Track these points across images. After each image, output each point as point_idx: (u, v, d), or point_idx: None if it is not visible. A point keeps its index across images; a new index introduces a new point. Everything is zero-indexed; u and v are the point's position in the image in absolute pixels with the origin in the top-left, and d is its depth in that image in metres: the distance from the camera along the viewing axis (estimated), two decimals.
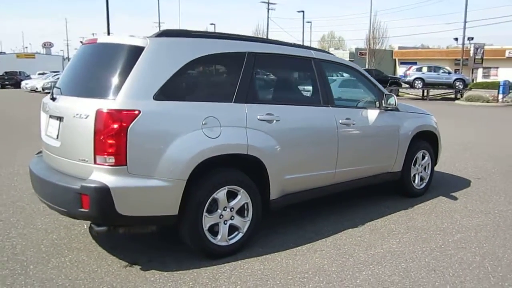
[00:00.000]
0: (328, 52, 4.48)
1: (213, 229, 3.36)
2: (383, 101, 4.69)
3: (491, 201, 5.17)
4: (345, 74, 4.81)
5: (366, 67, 38.74)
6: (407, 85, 28.07)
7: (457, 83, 27.31)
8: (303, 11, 49.78)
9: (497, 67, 52.64)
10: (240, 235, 3.50)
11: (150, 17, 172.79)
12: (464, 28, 30.80)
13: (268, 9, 61.73)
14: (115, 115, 2.88)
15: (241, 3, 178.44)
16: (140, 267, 3.27)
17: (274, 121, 3.61)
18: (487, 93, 24.34)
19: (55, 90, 3.49)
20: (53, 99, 3.34)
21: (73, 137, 3.09)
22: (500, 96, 23.76)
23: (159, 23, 64.89)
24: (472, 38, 30.86)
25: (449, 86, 27.56)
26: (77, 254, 3.47)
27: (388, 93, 4.74)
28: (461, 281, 3.14)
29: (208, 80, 3.46)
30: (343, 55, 57.50)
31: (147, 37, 3.18)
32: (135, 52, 3.07)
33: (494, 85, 28.15)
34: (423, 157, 5.31)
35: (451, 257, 3.55)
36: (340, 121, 4.18)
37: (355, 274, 3.23)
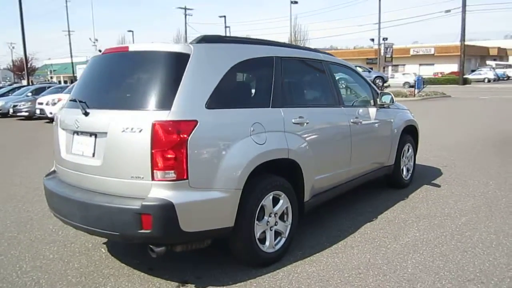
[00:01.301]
0: (330, 54, 4.62)
1: (261, 237, 3.32)
2: (377, 99, 4.96)
3: (469, 186, 5.68)
4: (341, 74, 4.98)
5: None
6: None
7: (377, 81, 29.33)
8: (224, 16, 50.14)
9: (404, 64, 57.59)
10: (283, 240, 3.49)
11: (58, 24, 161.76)
12: (379, 29, 33.22)
13: (186, 15, 61.34)
14: (174, 126, 2.73)
15: (159, 9, 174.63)
16: (193, 285, 3.13)
17: (305, 123, 3.66)
18: (404, 89, 26.52)
19: (74, 103, 3.20)
20: (86, 113, 3.05)
21: (122, 153, 2.85)
22: (416, 90, 26.03)
23: (69, 31, 61.33)
24: (386, 39, 33.38)
25: None
26: (116, 281, 3.22)
27: (384, 91, 5.01)
28: (495, 258, 3.44)
29: (248, 86, 3.41)
30: None
31: (189, 44, 3.05)
32: (181, 59, 2.93)
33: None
34: (408, 150, 5.68)
35: (471, 238, 3.86)
36: (352, 120, 4.35)
37: (402, 264, 3.39)
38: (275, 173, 3.40)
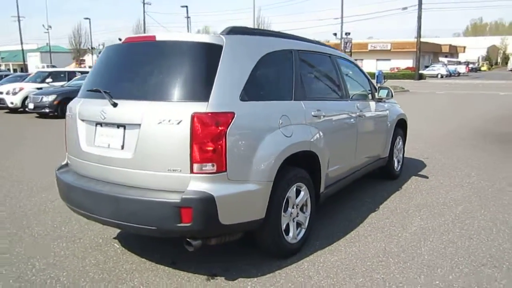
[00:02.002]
0: (333, 48, 4.70)
1: (285, 228, 3.36)
2: (376, 93, 5.12)
3: (455, 177, 5.98)
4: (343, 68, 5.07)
5: None
6: None
7: None
8: (186, 6, 49.24)
9: (362, 59, 59.12)
10: (303, 230, 3.55)
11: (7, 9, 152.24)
12: (342, 24, 33.89)
13: (144, 3, 59.67)
14: (214, 118, 2.70)
15: None
16: (223, 277, 3.12)
17: (321, 116, 3.73)
18: None
19: (96, 94, 3.08)
20: (114, 104, 2.93)
21: (157, 146, 2.78)
22: (378, 84, 26.86)
23: (18, 17, 58.04)
24: (349, 33, 34.07)
25: None
26: (142, 276, 3.15)
27: (381, 86, 5.17)
28: (499, 243, 3.67)
29: (273, 78, 3.40)
30: None
31: (220, 35, 3.01)
32: (214, 50, 2.89)
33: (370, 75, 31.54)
34: (399, 142, 5.90)
35: (472, 226, 4.09)
36: (358, 113, 4.47)
37: (417, 251, 3.54)
38: (297, 165, 3.44)
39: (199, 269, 3.23)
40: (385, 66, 54.88)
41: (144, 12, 58.06)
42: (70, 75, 16.24)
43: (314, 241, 3.73)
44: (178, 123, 2.69)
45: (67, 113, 3.43)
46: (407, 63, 55.87)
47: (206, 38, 2.96)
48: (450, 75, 50.35)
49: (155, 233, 2.88)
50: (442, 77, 48.25)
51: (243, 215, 2.92)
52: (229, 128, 2.75)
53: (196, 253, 3.41)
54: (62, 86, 14.77)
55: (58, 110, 13.02)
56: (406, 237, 3.84)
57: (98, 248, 3.64)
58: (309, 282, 3.05)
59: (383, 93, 5.19)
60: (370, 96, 5.10)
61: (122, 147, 2.94)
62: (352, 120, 4.37)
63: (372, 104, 4.97)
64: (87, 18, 55.09)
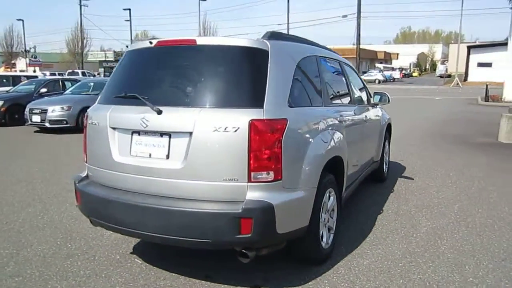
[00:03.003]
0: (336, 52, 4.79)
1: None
2: (371, 98, 5.29)
3: (437, 177, 6.32)
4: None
5: None
6: None
7: None
8: (129, 9, 47.80)
9: None
10: (332, 235, 3.57)
11: None
12: (288, 29, 34.61)
13: (81, 5, 57.11)
14: (271, 125, 2.64)
15: None
16: (267, 287, 3.06)
17: (343, 121, 3.78)
18: None
19: (130, 100, 2.90)
20: (159, 112, 2.76)
21: (212, 154, 2.65)
22: None
23: None
24: None
25: None
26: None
27: (377, 91, 5.35)
28: (507, 238, 3.93)
29: (307, 84, 3.37)
30: None
31: (262, 40, 2.95)
32: (262, 56, 2.83)
33: None
34: (386, 145, 6.13)
35: (475, 223, 4.34)
36: (363, 118, 4.59)
37: (438, 250, 3.69)
38: (327, 170, 3.46)
39: (239, 281, 3.14)
40: None
41: (81, 14, 55.53)
42: (15, 80, 15.09)
43: (339, 246, 3.76)
44: (236, 130, 2.60)
45: (88, 121, 3.19)
46: None
47: (250, 43, 2.89)
48: (386, 80, 53.15)
49: (208, 246, 2.76)
50: (379, 82, 50.77)
51: (294, 223, 2.88)
52: (283, 135, 2.70)
53: (226, 265, 3.34)
54: (7, 91, 13.69)
55: (6, 118, 12.04)
56: (421, 237, 3.99)
57: (120, 265, 3.41)
58: (355, 286, 3.07)
59: (376, 99, 5.37)
60: (366, 101, 5.26)
61: (168, 156, 2.78)
62: (360, 125, 4.48)
63: (370, 108, 5.13)
64: (20, 19, 51.49)
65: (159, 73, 3.05)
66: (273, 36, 3.08)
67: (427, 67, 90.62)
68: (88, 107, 11.72)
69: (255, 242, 2.67)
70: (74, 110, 10.79)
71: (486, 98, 23.25)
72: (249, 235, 2.60)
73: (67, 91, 12.58)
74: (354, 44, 49.28)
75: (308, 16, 75.81)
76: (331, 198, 3.48)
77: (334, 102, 3.86)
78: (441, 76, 54.58)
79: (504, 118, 9.37)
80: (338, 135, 3.57)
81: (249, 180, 2.62)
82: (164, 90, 2.96)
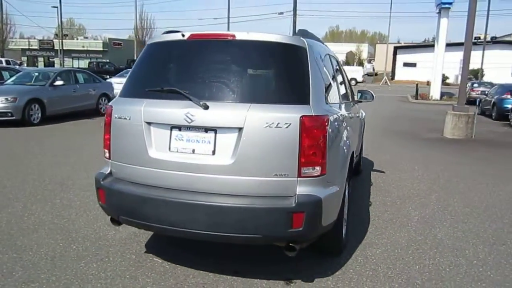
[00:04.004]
0: None
1: None
2: (355, 96, 5.54)
3: (405, 170, 6.77)
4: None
5: (135, 57, 38.37)
6: None
7: None
8: None
9: None
10: (345, 226, 3.72)
11: None
12: (228, 24, 34.54)
13: None
14: (319, 121, 2.71)
15: None
16: (300, 280, 3.13)
17: (350, 118, 3.96)
18: None
19: (167, 94, 2.81)
20: (206, 107, 2.70)
21: (263, 150, 2.65)
22: None
23: None
24: None
25: None
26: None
27: (363, 89, 5.60)
28: (489, 225, 4.35)
29: (329, 82, 3.45)
30: (90, 44, 54.45)
31: (299, 37, 2.99)
32: (303, 53, 2.88)
33: None
34: (362, 140, 6.44)
35: (456, 212, 4.75)
36: (356, 114, 4.81)
37: (437, 237, 4.00)
38: None
39: (268, 275, 3.18)
40: None
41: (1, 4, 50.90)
42: None
43: (346, 237, 3.92)
44: (288, 126, 2.64)
45: (114, 116, 3.02)
46: None
47: (291, 40, 2.93)
48: None
49: (259, 241, 2.77)
50: None
51: (332, 216, 2.98)
52: (327, 131, 2.79)
53: (252, 260, 3.38)
54: None
55: None
56: (417, 226, 4.29)
57: (140, 265, 3.29)
58: (379, 274, 3.24)
59: (360, 96, 5.62)
60: (350, 98, 5.48)
61: (214, 152, 2.74)
62: (355, 120, 4.69)
63: (355, 105, 5.36)
64: None
65: (196, 67, 2.97)
66: (303, 34, 3.14)
67: (355, 65, 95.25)
68: (36, 99, 11.22)
69: (304, 236, 2.73)
70: (20, 102, 9.96)
71: (416, 96, 25.05)
72: (300, 229, 2.65)
73: (8, 81, 11.58)
74: None
75: (245, 11, 76.15)
76: (347, 191, 3.63)
77: (344, 99, 4.01)
78: (368, 75, 57.59)
79: (449, 115, 10.22)
80: (351, 131, 3.73)
81: (299, 175, 2.67)
82: (206, 85, 2.89)
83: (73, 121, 11.49)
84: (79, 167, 6.37)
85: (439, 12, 24.67)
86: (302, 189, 2.68)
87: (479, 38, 33.86)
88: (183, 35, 3.01)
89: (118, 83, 14.71)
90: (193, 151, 2.78)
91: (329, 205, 2.86)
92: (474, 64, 28.19)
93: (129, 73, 3.23)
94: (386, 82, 43.05)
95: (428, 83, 35.65)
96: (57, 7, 43.92)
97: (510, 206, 5.01)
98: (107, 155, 3.13)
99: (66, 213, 4.41)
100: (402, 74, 48.58)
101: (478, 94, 18.86)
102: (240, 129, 2.68)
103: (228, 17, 34.75)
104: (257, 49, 2.91)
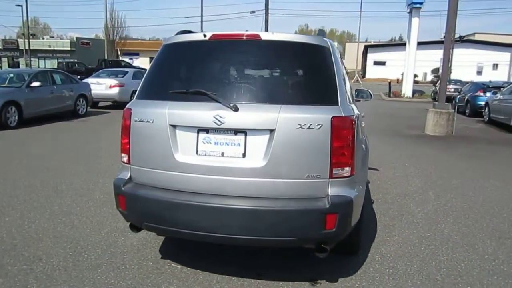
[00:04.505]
0: None
1: None
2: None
3: (397, 168, 6.91)
4: None
5: (106, 57, 37.52)
6: None
7: None
8: None
9: None
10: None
11: None
12: (201, 22, 34.28)
13: None
14: (347, 121, 2.71)
15: None
16: (324, 280, 3.13)
17: (362, 116, 3.99)
18: None
19: (192, 96, 2.75)
20: (236, 109, 2.65)
21: (296, 152, 2.63)
22: None
23: None
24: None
25: None
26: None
27: (360, 89, 5.66)
28: (490, 219, 4.49)
29: (346, 81, 3.46)
30: (57, 44, 52.67)
31: (322, 37, 2.99)
32: (327, 53, 2.88)
33: None
34: None
35: (456, 207, 4.88)
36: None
37: (444, 232, 4.10)
38: None
39: (292, 277, 3.17)
40: None
41: None
42: None
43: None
44: (320, 127, 2.63)
45: (134, 119, 2.92)
46: None
47: (315, 40, 2.92)
48: None
49: (291, 244, 2.75)
50: None
51: (358, 216, 2.99)
52: (355, 131, 2.80)
53: (272, 262, 3.36)
54: None
55: None
56: (422, 223, 4.38)
57: (160, 272, 3.21)
58: (399, 271, 3.29)
59: (356, 94, 5.68)
60: None
61: (244, 155, 2.69)
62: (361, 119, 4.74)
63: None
64: None
65: (220, 68, 2.92)
66: (323, 34, 3.14)
67: None
68: (13, 101, 10.90)
69: (336, 237, 2.73)
70: None
71: (389, 94, 25.62)
72: (333, 230, 2.65)
73: None
74: None
75: (217, 10, 75.82)
76: None
77: (352, 98, 4.04)
78: None
79: (431, 113, 10.50)
80: (364, 130, 3.76)
81: (330, 176, 2.67)
82: (233, 86, 2.84)
83: (52, 123, 11.11)
84: (68, 171, 6.16)
85: (410, 12, 25.35)
86: (333, 190, 2.68)
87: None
88: (204, 35, 2.95)
89: (94, 83, 14.34)
90: (222, 154, 2.73)
91: (357, 205, 2.87)
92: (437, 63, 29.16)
93: (145, 75, 3.13)
94: (357, 80, 43.82)
95: (398, 81, 36.62)
96: (21, 5, 42.41)
97: (504, 201, 5.19)
98: (125, 159, 3.02)
99: (67, 220, 4.25)
100: (373, 72, 49.63)
101: (450, 92, 19.46)
102: (271, 130, 2.65)
103: (201, 15, 34.49)
104: (283, 49, 2.89)
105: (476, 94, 14.96)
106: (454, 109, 11.06)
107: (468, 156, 8.13)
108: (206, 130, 2.76)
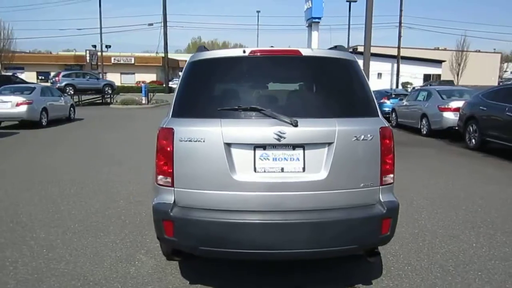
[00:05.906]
0: None
1: None
2: None
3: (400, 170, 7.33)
4: None
5: None
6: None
7: (106, 88, 28.70)
8: None
9: (106, 72, 57.61)
10: None
11: None
12: (101, 34, 32.47)
13: None
14: (389, 132, 2.91)
15: None
16: (361, 284, 3.28)
17: None
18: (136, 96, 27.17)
19: (245, 113, 2.74)
20: (295, 124, 2.66)
21: (353, 163, 2.75)
22: (145, 98, 26.71)
23: None
24: (110, 46, 32.86)
25: (98, 91, 28.53)
26: None
27: None
28: (496, 214, 5.09)
29: None
30: None
31: (348, 52, 3.16)
32: (357, 67, 3.07)
33: (135, 89, 31.47)
34: None
35: (458, 203, 5.42)
36: None
37: (450, 226, 4.53)
38: None
39: (331, 284, 3.26)
40: (130, 80, 55.31)
41: None
42: None
43: None
44: (372, 138, 2.79)
45: (178, 139, 2.75)
46: (151, 77, 57.94)
47: (348, 55, 3.09)
48: None
49: (353, 251, 2.84)
50: None
51: None
52: (393, 141, 3.02)
53: (306, 272, 3.43)
54: None
55: None
56: (426, 219, 4.78)
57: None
58: (417, 267, 3.57)
59: None
60: None
61: (304, 169, 2.73)
62: None
63: None
64: None
65: (265, 84, 2.93)
66: (343, 49, 3.30)
67: None
68: None
69: (388, 240, 2.91)
70: None
71: None
72: (388, 234, 2.83)
73: None
74: (157, 53, 50.20)
75: (113, 22, 72.21)
76: None
77: None
78: None
79: None
80: None
81: (381, 183, 2.85)
82: (284, 102, 2.87)
83: None
84: (19, 200, 5.45)
85: (310, 26, 27.01)
86: (384, 196, 2.87)
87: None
88: (244, 51, 2.93)
89: None
90: (282, 169, 2.74)
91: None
92: None
93: (178, 92, 2.98)
94: None
95: None
96: None
97: (466, 194, 5.89)
98: (165, 182, 2.82)
99: (55, 255, 3.79)
100: None
101: None
102: (330, 143, 2.74)
103: (101, 27, 32.69)
104: (325, 64, 3.02)
105: (381, 101, 16.57)
106: None
107: (402, 158, 8.95)
108: (263, 147, 2.74)
